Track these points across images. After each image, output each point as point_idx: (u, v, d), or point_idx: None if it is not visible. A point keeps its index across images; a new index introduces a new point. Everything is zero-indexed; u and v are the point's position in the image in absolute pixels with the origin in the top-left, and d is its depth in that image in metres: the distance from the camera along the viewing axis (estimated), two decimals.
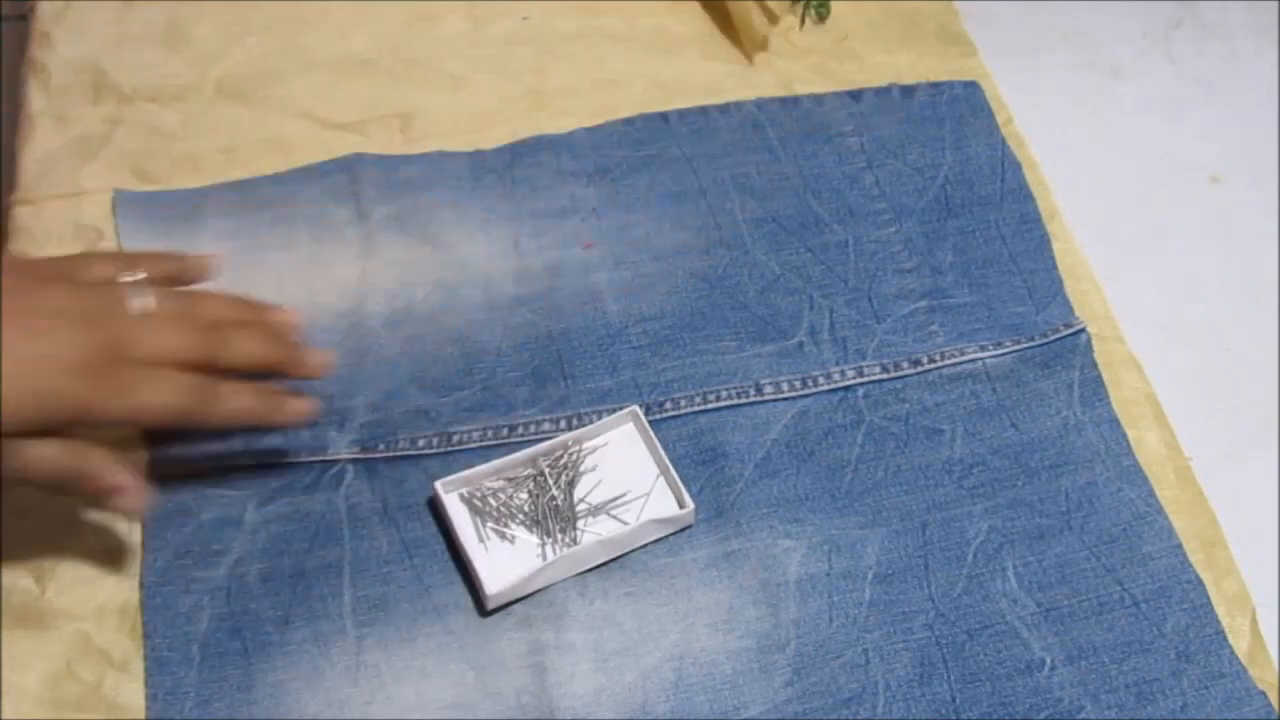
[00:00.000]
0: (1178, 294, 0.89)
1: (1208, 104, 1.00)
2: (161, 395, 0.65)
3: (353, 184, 0.87)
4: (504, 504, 0.75)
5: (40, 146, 0.89)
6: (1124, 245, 0.91)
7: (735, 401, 0.80)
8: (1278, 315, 0.89)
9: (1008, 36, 1.01)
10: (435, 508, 0.75)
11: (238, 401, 0.69)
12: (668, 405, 0.80)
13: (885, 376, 0.82)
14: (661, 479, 0.77)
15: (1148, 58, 1.02)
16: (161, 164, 0.88)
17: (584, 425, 0.78)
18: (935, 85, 0.95)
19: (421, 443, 0.78)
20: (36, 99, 0.91)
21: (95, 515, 0.75)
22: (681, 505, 0.75)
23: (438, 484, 0.74)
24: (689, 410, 0.80)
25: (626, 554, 0.75)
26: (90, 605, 0.72)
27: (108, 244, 0.84)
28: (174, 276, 0.72)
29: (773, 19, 0.95)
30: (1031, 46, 1.01)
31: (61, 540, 0.74)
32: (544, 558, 0.74)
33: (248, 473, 0.76)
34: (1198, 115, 0.99)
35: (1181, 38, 1.03)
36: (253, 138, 0.90)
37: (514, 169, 0.89)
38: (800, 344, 0.83)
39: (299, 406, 0.72)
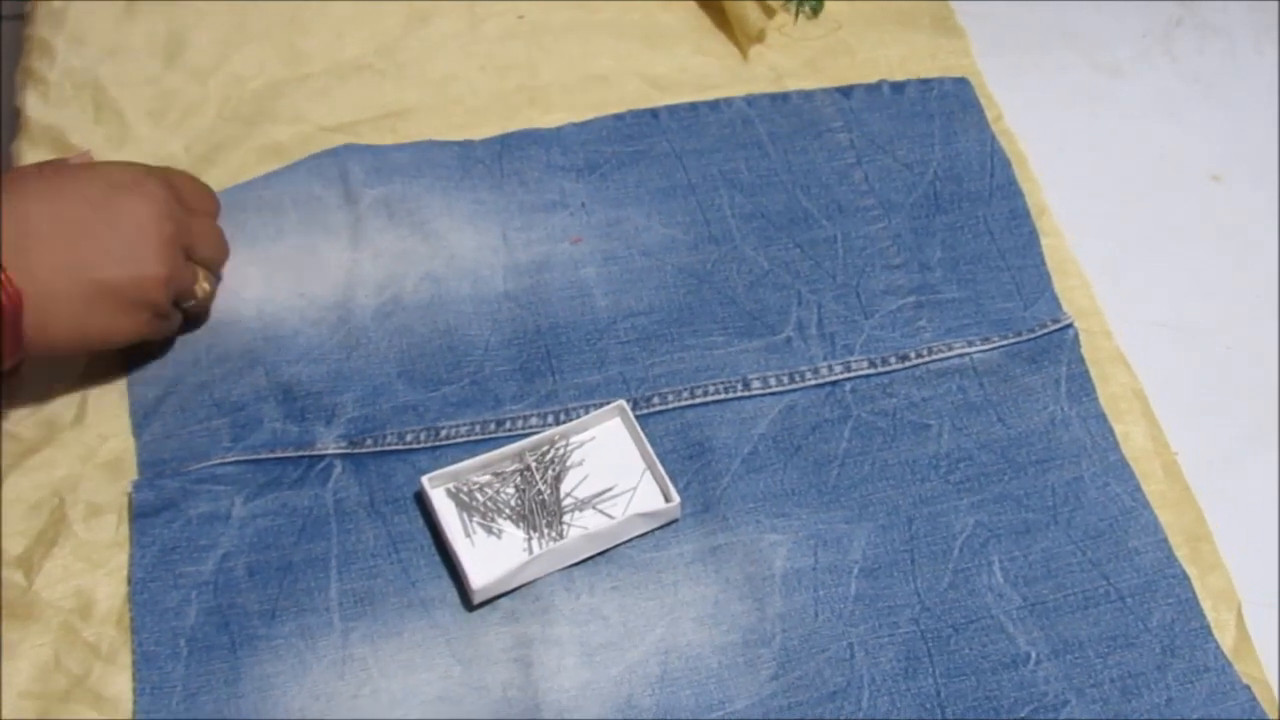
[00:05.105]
0: (1179, 292, 0.89)
1: (1208, 103, 0.99)
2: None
3: (339, 166, 0.87)
4: (491, 498, 0.76)
5: (38, 158, 0.88)
6: (1125, 244, 0.91)
7: (722, 396, 0.80)
8: (1278, 314, 0.88)
9: (1008, 35, 1.01)
10: (422, 502, 0.76)
11: None
12: (655, 400, 0.80)
13: (873, 371, 0.82)
14: (648, 473, 0.77)
15: (1148, 57, 1.02)
16: None
17: (571, 420, 0.78)
18: (925, 82, 0.95)
19: (409, 437, 0.78)
20: (34, 106, 0.91)
21: (82, 509, 0.75)
22: (668, 499, 0.75)
23: (425, 479, 0.75)
24: (676, 405, 0.80)
25: (612, 548, 0.75)
26: (77, 598, 0.73)
27: None
28: None
29: (769, 12, 0.96)
30: (1032, 45, 1.01)
31: (49, 533, 0.75)
32: (530, 552, 0.74)
33: (235, 467, 0.76)
34: (1198, 115, 0.99)
35: (1181, 37, 1.03)
36: (248, 145, 0.90)
37: (503, 161, 0.89)
38: (788, 339, 0.83)
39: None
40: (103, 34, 0.95)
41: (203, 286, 0.79)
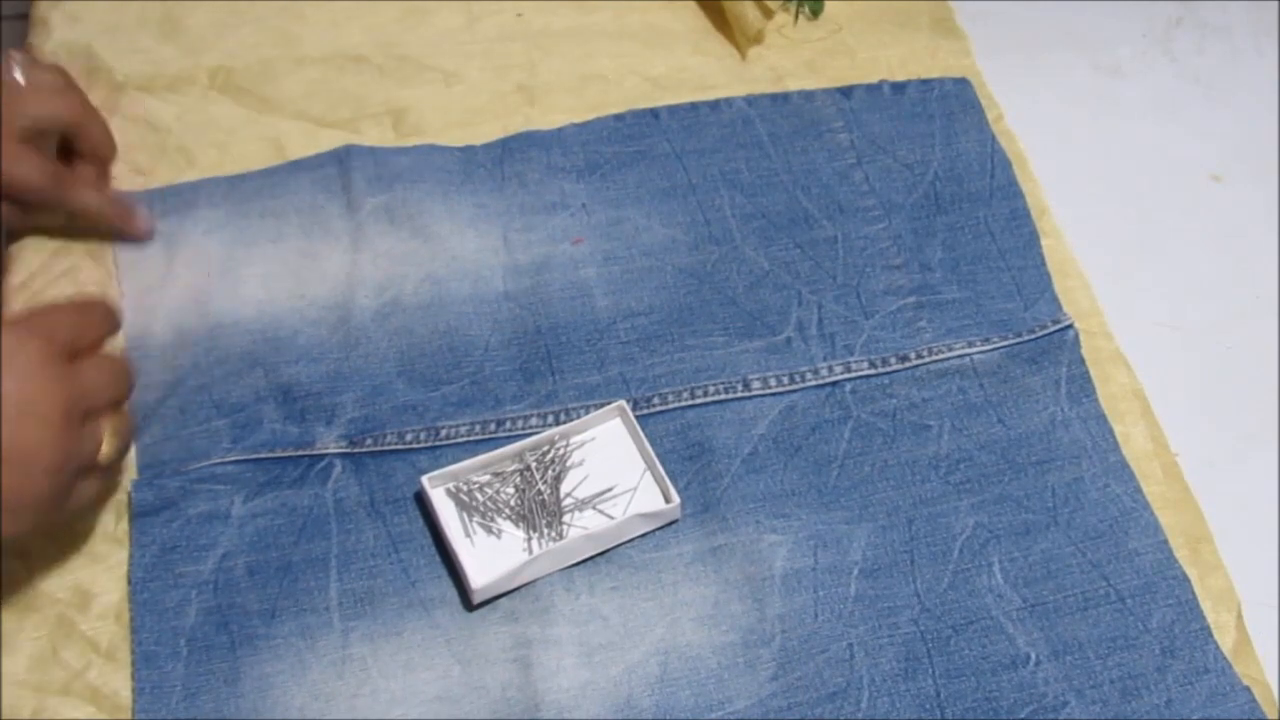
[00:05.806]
0: (1179, 292, 0.89)
1: (1208, 103, 0.99)
2: (25, 170, 0.77)
3: (343, 176, 0.87)
4: (490, 498, 0.76)
5: None
6: (1125, 244, 0.91)
7: (723, 397, 0.80)
8: (1278, 314, 0.88)
9: (1008, 35, 1.01)
10: (422, 502, 0.76)
11: (88, 195, 0.82)
12: (655, 400, 0.80)
13: (873, 372, 0.81)
14: (648, 474, 0.77)
15: (1148, 57, 1.02)
16: (153, 156, 0.88)
17: (571, 420, 0.78)
18: (925, 82, 0.95)
19: (409, 437, 0.78)
20: None
21: (83, 503, 0.75)
22: (668, 500, 0.75)
23: (424, 478, 0.75)
24: (676, 405, 0.80)
25: (612, 549, 0.75)
26: (75, 591, 0.72)
27: None
28: None
29: (767, 14, 0.96)
30: (1032, 45, 1.01)
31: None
32: (530, 552, 0.74)
33: (234, 467, 0.76)
34: (1198, 115, 0.99)
35: (1181, 37, 1.03)
36: (246, 134, 0.90)
37: (504, 164, 0.89)
38: (788, 340, 0.83)
39: (142, 222, 0.84)
40: (99, 13, 0.95)
41: (110, 444, 0.68)
